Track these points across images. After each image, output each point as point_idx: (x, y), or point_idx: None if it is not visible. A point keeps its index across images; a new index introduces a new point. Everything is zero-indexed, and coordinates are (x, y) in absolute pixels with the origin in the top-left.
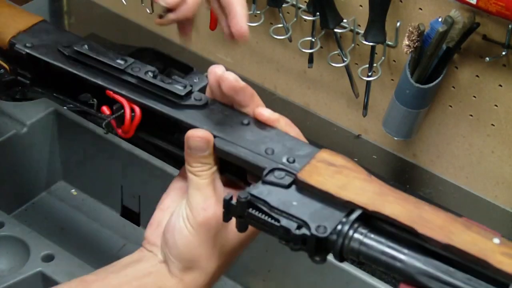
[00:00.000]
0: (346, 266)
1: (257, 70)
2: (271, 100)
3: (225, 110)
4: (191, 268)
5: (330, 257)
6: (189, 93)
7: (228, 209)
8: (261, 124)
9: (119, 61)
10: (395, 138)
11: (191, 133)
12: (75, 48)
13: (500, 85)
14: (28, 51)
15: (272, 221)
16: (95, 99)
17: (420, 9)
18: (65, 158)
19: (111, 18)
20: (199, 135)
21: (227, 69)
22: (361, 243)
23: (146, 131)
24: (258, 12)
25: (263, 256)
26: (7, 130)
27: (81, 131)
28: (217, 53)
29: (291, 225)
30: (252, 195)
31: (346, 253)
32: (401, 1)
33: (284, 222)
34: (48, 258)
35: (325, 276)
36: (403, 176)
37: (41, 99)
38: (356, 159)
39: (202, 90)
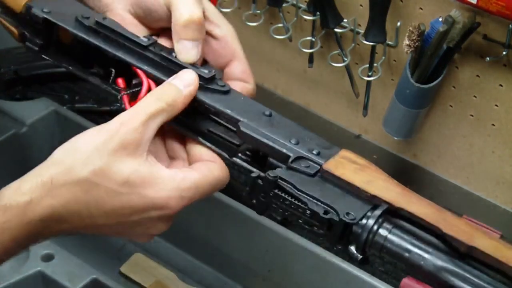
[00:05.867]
0: (346, 265)
1: (257, 70)
2: (271, 100)
3: (248, 101)
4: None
5: (330, 256)
6: (213, 77)
7: (254, 187)
8: (283, 117)
9: (142, 38)
10: (395, 138)
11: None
12: (97, 19)
13: (501, 85)
14: (45, 16)
15: (299, 203)
16: (113, 69)
17: (421, 8)
18: None
19: None
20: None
21: None
22: (386, 238)
23: None
24: (258, 12)
25: (263, 256)
26: (7, 130)
27: (81, 131)
28: None
29: (319, 209)
30: (280, 177)
31: (369, 247)
32: (401, 1)
33: (312, 205)
34: (48, 258)
35: (325, 276)
36: (404, 176)
37: (41, 98)
38: None
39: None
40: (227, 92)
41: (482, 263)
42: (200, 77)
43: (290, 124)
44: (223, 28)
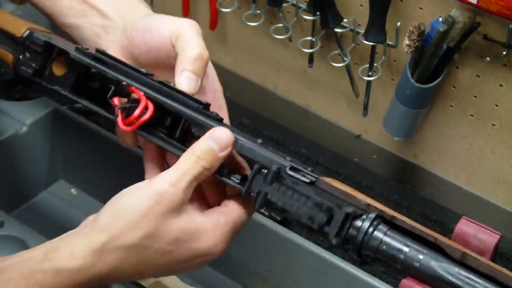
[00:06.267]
0: (346, 266)
1: (257, 70)
2: (271, 100)
3: (239, 131)
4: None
5: (330, 256)
6: (209, 105)
7: (254, 178)
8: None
9: (141, 69)
10: (396, 138)
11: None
12: (97, 47)
13: (501, 85)
14: (46, 39)
15: (300, 195)
16: (112, 85)
17: (421, 8)
18: (65, 157)
19: None
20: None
21: (226, 69)
22: (381, 241)
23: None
24: (258, 12)
25: (263, 256)
26: (7, 130)
27: (81, 131)
28: (217, 53)
29: (320, 201)
30: (282, 171)
31: (365, 249)
32: (401, 1)
33: (314, 197)
34: None
35: (325, 276)
36: (404, 176)
37: (41, 98)
38: (356, 159)
39: None
40: (221, 120)
41: (476, 271)
42: (197, 102)
43: (282, 153)
44: (214, 83)
